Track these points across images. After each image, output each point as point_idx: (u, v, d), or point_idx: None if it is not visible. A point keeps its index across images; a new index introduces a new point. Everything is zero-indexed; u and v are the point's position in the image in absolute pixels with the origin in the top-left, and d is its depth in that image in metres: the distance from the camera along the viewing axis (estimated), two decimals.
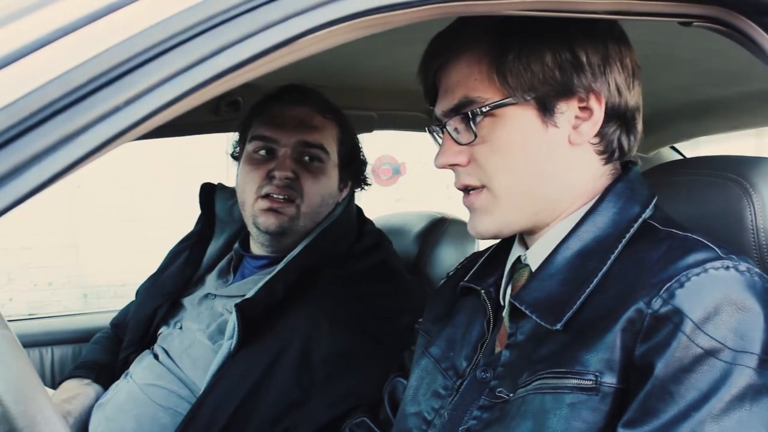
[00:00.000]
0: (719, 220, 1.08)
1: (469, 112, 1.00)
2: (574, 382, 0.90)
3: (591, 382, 0.89)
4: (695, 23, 0.97)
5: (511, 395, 0.97)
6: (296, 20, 0.70)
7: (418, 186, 8.21)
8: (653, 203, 1.02)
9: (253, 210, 1.63)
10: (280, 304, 1.53)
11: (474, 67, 1.01)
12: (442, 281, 1.32)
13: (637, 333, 0.88)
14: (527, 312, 0.98)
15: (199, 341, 1.61)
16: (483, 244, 1.42)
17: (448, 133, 1.04)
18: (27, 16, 0.63)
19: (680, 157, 2.29)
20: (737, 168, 1.09)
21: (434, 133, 1.11)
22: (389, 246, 1.78)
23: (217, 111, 1.85)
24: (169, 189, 7.04)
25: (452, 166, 1.05)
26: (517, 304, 1.00)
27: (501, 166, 1.01)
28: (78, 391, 1.73)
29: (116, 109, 0.62)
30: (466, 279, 1.16)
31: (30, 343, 2.12)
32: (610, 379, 0.89)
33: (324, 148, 1.64)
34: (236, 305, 1.51)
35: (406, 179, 8.32)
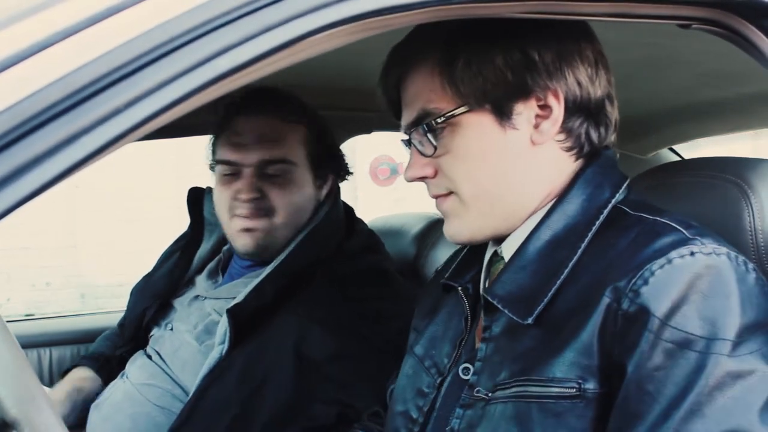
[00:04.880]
0: (717, 221, 1.07)
1: (426, 125, 1.00)
2: (556, 390, 0.89)
3: (574, 390, 0.88)
4: (694, 26, 0.97)
5: (489, 395, 0.96)
6: (297, 22, 0.70)
7: (417, 186, 8.21)
8: (625, 186, 1.01)
9: (230, 230, 1.63)
10: (271, 308, 1.52)
11: (428, 77, 1.01)
12: (433, 276, 1.32)
13: (612, 335, 0.87)
14: (499, 306, 0.97)
15: (188, 342, 1.61)
16: None
17: (414, 146, 1.04)
18: (28, 19, 0.63)
19: (678, 159, 2.29)
20: (735, 169, 1.09)
21: (406, 146, 1.10)
22: (382, 248, 1.76)
23: (217, 112, 1.84)
24: (168, 189, 7.03)
25: (421, 179, 1.05)
26: (489, 298, 0.99)
27: (465, 175, 1.00)
28: (89, 374, 1.78)
29: (117, 111, 0.62)
30: (446, 276, 1.15)
31: (28, 344, 2.12)
32: (592, 385, 0.88)
33: (287, 160, 1.60)
34: (228, 310, 1.49)
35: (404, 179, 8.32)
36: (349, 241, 1.67)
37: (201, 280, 1.76)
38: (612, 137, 1.05)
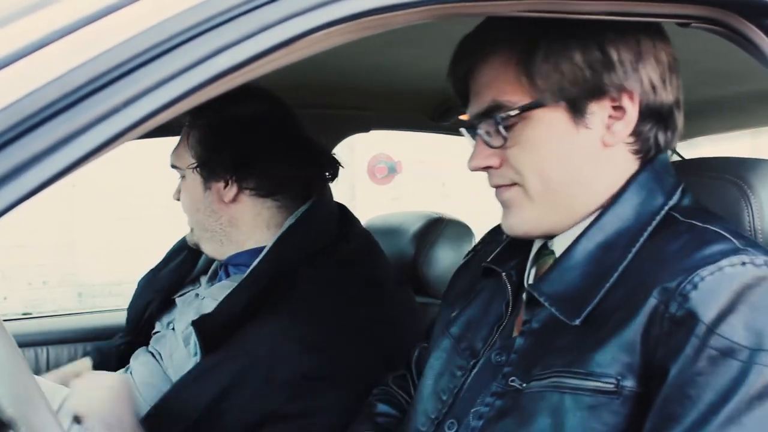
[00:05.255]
0: None
1: (499, 117, 0.99)
2: (594, 384, 0.90)
3: (612, 386, 0.89)
4: (693, 24, 0.97)
5: (524, 385, 0.97)
6: (296, 21, 0.70)
7: (415, 185, 8.22)
8: (679, 191, 1.01)
9: None
10: (247, 316, 1.45)
11: (502, 69, 1.00)
12: (468, 254, 1.33)
13: (658, 337, 0.87)
14: (546, 304, 0.98)
15: (181, 347, 1.59)
16: None
17: (480, 136, 1.03)
18: (26, 17, 0.63)
19: (678, 159, 2.29)
20: (735, 170, 1.09)
21: (470, 135, 1.09)
22: (380, 254, 1.71)
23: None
24: (165, 187, 7.02)
25: (485, 168, 1.05)
26: (536, 295, 0.99)
27: (533, 168, 1.00)
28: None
29: (116, 110, 0.62)
30: (488, 260, 1.16)
31: (25, 342, 2.11)
32: (630, 383, 0.88)
33: (174, 165, 1.65)
34: (193, 322, 1.45)
35: (402, 178, 8.33)
36: (347, 245, 1.61)
37: (204, 280, 1.75)
38: (676, 142, 1.06)
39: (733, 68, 1.64)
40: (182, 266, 1.79)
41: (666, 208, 0.99)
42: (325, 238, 1.58)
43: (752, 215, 1.05)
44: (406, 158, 8.17)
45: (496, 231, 1.24)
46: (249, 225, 1.60)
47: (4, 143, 0.59)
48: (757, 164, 1.10)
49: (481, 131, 1.03)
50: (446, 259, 1.99)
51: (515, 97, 0.99)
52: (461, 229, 2.06)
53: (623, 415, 0.88)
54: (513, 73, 0.99)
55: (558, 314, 0.96)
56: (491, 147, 1.02)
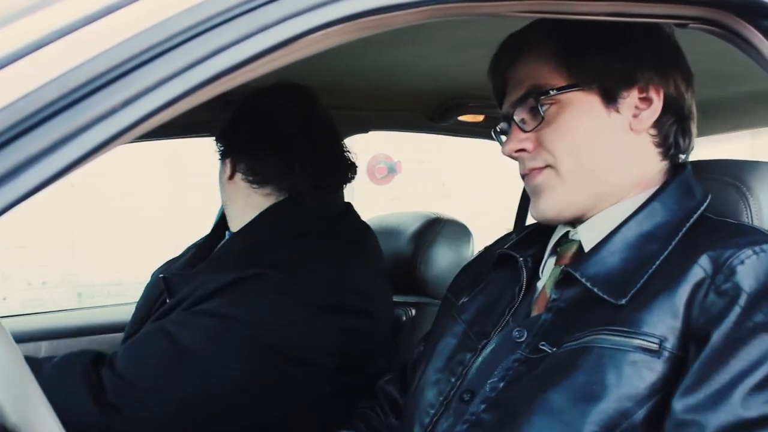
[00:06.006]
0: None
1: (538, 96, 1.08)
2: (637, 342, 0.94)
3: (656, 345, 0.94)
4: (691, 25, 0.97)
5: (554, 349, 1.01)
6: (294, 21, 0.70)
7: (414, 185, 8.21)
8: (708, 201, 1.07)
9: None
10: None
11: (542, 60, 1.10)
12: (479, 252, 1.39)
13: (700, 305, 0.93)
14: (588, 284, 1.02)
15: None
16: (479, 247, 1.44)
17: (515, 123, 1.11)
18: (25, 18, 0.63)
19: None
20: (734, 172, 1.10)
21: (500, 135, 1.19)
22: (366, 249, 1.72)
23: (213, 111, 1.85)
24: (165, 188, 7.03)
25: (519, 152, 1.12)
26: (578, 276, 1.04)
27: (566, 149, 1.08)
28: None
29: (114, 111, 0.62)
30: (505, 247, 1.23)
31: (24, 339, 2.11)
32: (671, 345, 0.94)
33: None
34: (161, 276, 1.60)
35: (402, 178, 8.32)
36: (331, 230, 1.65)
37: None
38: (690, 151, 1.14)
39: (732, 69, 1.65)
40: (196, 256, 1.81)
41: (701, 209, 1.05)
42: (298, 225, 1.62)
43: (751, 217, 1.06)
44: (406, 158, 8.17)
45: (506, 236, 1.33)
46: (240, 204, 1.67)
47: (3, 143, 0.59)
48: (755, 166, 1.10)
49: (516, 118, 1.11)
50: (444, 259, 1.99)
51: (554, 81, 1.08)
52: (459, 229, 2.06)
53: (660, 374, 0.93)
54: (553, 64, 1.09)
55: (602, 294, 1.00)
56: (525, 132, 1.10)
